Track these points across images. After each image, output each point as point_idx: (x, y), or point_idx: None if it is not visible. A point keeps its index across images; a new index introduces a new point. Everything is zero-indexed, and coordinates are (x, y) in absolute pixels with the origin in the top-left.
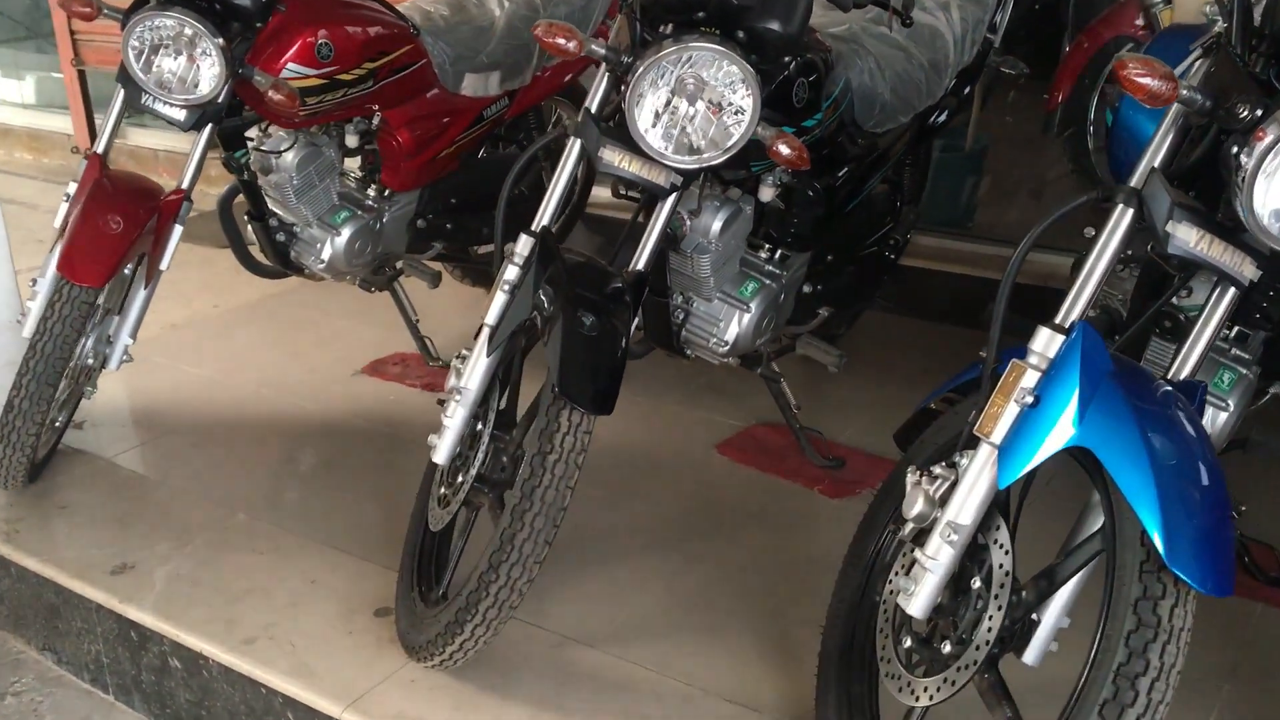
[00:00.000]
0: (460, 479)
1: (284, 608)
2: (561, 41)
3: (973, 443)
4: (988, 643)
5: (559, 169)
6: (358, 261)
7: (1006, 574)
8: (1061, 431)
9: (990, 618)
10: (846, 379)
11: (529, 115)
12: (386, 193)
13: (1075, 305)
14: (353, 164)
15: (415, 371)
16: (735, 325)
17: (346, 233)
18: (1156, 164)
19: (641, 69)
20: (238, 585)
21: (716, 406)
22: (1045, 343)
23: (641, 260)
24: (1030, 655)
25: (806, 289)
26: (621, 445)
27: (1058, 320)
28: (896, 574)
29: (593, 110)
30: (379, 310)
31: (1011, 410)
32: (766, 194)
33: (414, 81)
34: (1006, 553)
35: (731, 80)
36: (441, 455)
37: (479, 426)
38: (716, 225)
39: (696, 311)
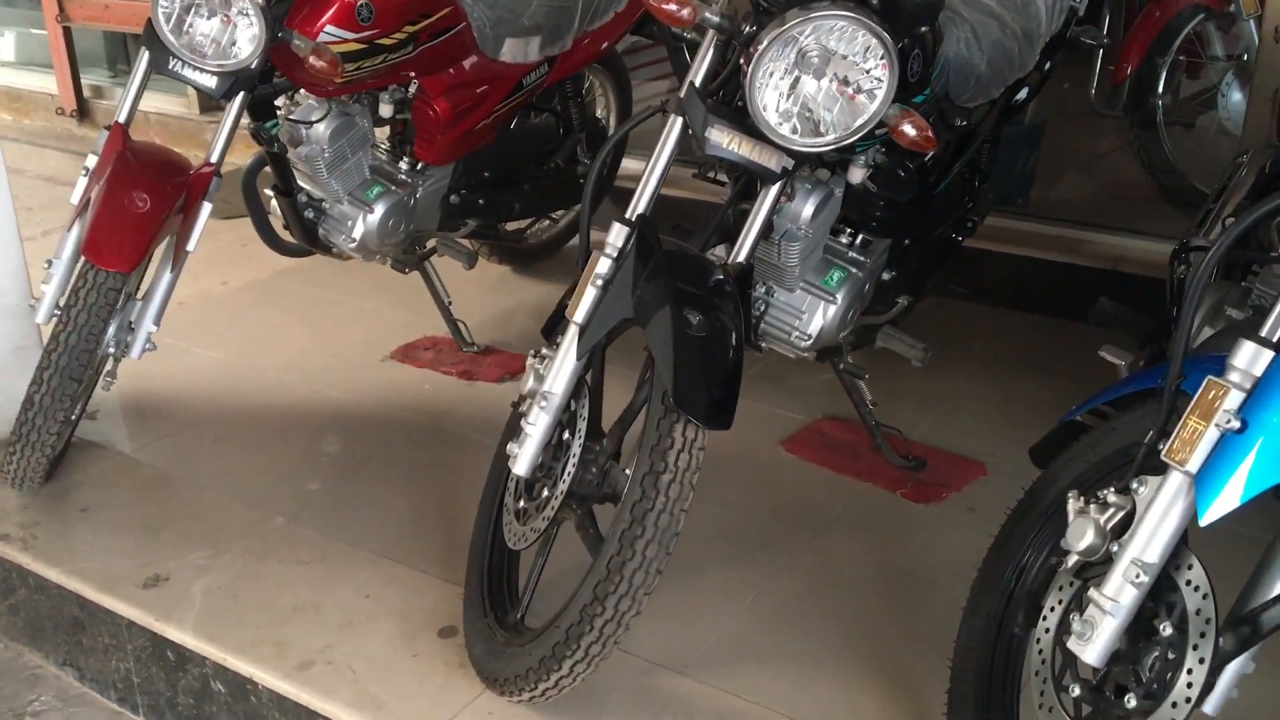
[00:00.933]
0: (545, 493)
1: (338, 627)
2: (673, 8)
3: (1155, 468)
4: (1188, 700)
5: (658, 150)
6: (390, 240)
7: (1208, 621)
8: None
9: (1190, 671)
10: (909, 369)
11: (566, 84)
12: (420, 166)
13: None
14: (381, 135)
15: (449, 357)
16: (820, 317)
17: (380, 209)
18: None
19: (767, 41)
20: (284, 601)
21: (776, 399)
22: (1250, 359)
23: (744, 251)
24: (1211, 705)
25: (885, 276)
26: None
27: (1263, 333)
28: (1053, 609)
29: (697, 84)
30: (401, 289)
31: (1211, 435)
32: (857, 175)
33: (454, 47)
34: (1205, 596)
35: (867, 52)
36: (523, 466)
37: (564, 435)
38: (808, 210)
39: (777, 303)
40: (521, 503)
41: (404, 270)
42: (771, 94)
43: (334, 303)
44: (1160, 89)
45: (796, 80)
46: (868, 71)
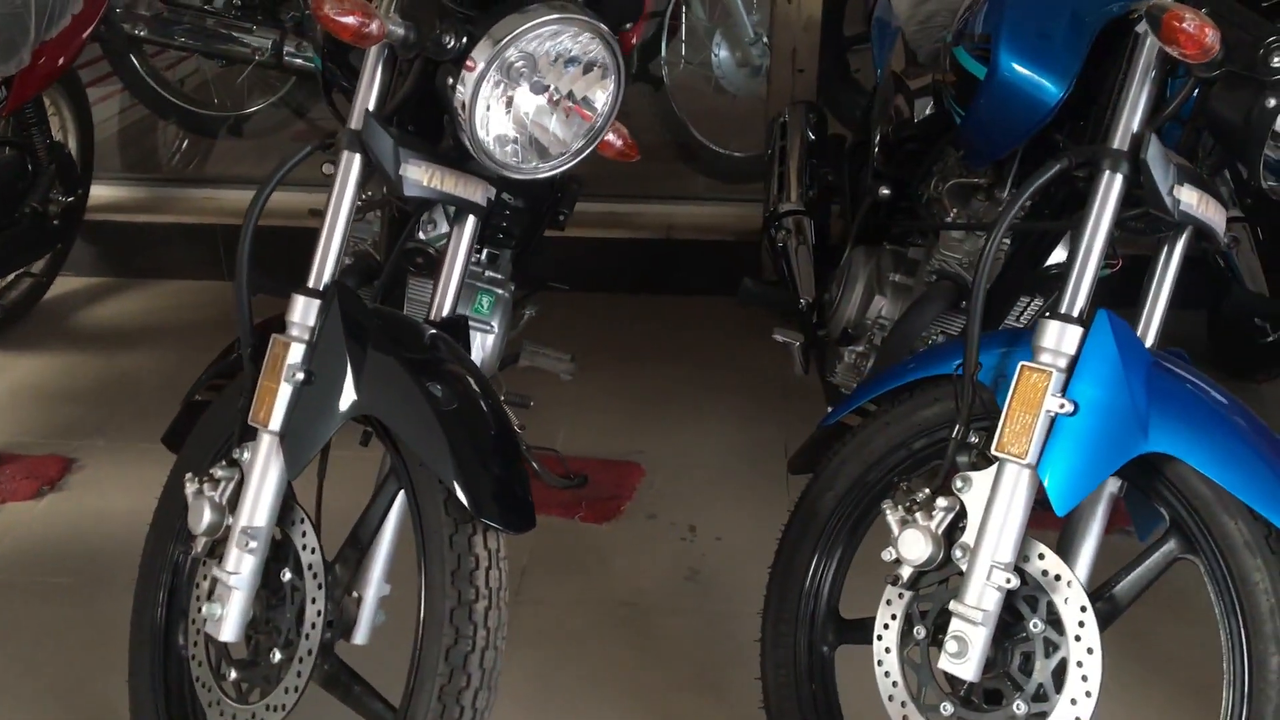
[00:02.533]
0: (276, 655)
1: None
2: (354, 22)
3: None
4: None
5: (335, 198)
6: None
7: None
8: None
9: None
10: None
11: (27, 109)
12: None
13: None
14: None
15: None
16: (481, 350)
17: None
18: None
19: (487, 57)
20: None
21: None
22: (1058, 337)
23: (448, 299)
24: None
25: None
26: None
27: (1064, 309)
28: (887, 626)
29: (371, 109)
30: None
31: (1043, 421)
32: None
33: None
34: (1070, 584)
35: (592, 57)
36: (230, 630)
37: (286, 575)
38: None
39: None
40: (234, 674)
41: None
42: (497, 117)
43: None
44: (663, 52)
45: (510, 98)
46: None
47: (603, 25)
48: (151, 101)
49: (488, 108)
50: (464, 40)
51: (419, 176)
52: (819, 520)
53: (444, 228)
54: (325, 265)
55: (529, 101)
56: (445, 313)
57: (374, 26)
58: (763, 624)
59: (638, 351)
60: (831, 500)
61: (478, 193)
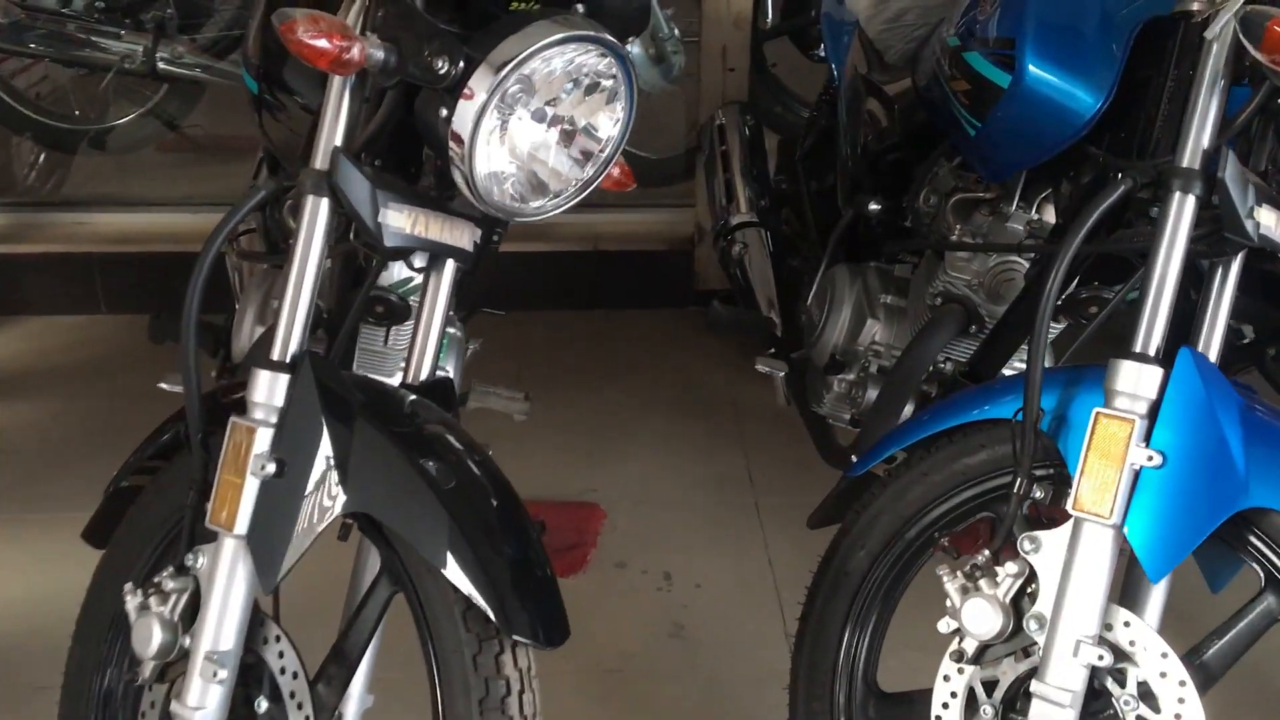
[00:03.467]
0: None
1: None
2: (329, 46)
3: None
4: None
5: (299, 254)
6: None
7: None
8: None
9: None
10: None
11: None
12: None
13: None
14: None
15: None
16: None
17: None
18: (339, 141)
19: (491, 86)
20: None
21: None
22: (1135, 380)
23: (428, 358)
24: None
25: None
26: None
27: (1139, 348)
28: (946, 705)
29: (341, 145)
30: None
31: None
32: None
33: None
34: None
35: (600, 78)
36: None
37: (262, 705)
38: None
39: None
40: None
41: None
42: (499, 154)
43: None
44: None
45: (505, 129)
46: (602, 103)
47: (615, 41)
48: (1, 114)
49: (496, 142)
50: (460, 65)
51: (401, 223)
52: (852, 582)
53: (403, 271)
54: (292, 333)
55: (528, 132)
56: (425, 374)
57: (355, 52)
58: (791, 703)
59: (579, 374)
60: (865, 559)
61: (464, 237)
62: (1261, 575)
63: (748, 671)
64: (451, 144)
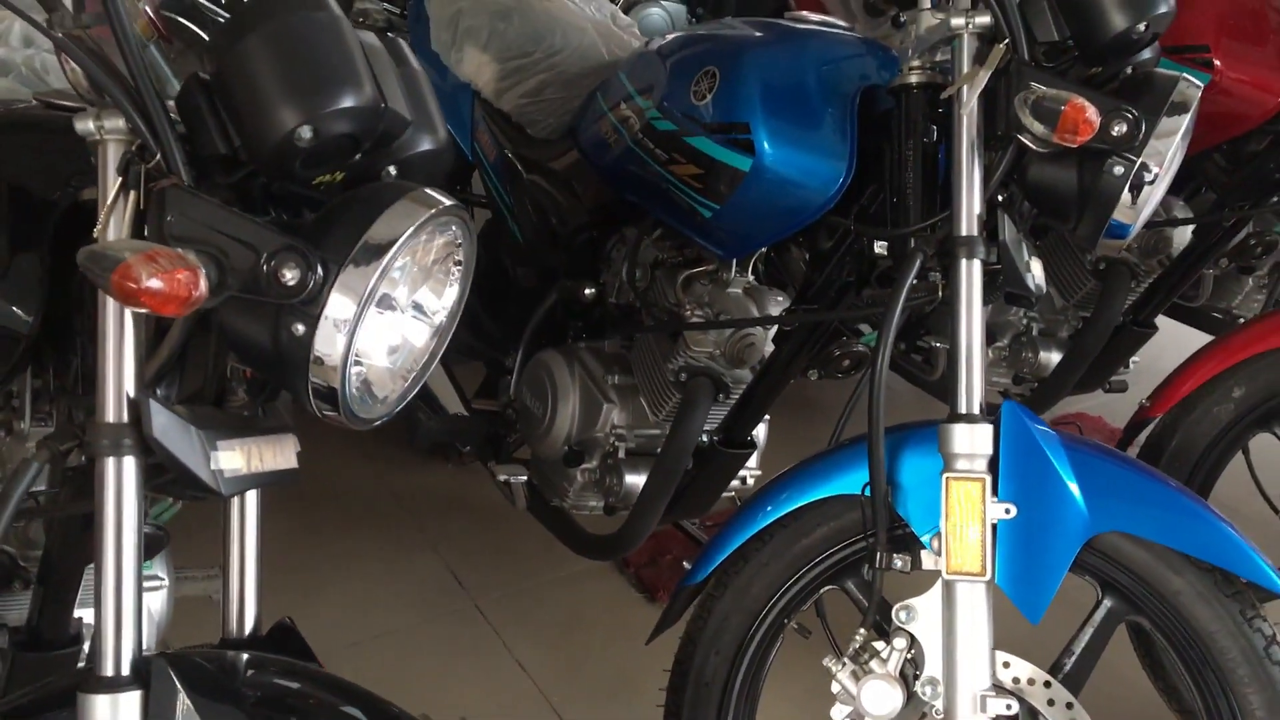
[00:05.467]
0: None
1: None
2: (177, 288)
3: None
4: None
5: (109, 527)
6: None
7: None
8: None
9: None
10: None
11: None
12: None
13: None
14: None
15: None
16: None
17: None
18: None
19: (370, 285)
20: None
21: None
22: (969, 440)
23: (250, 606)
24: None
25: None
26: None
27: (963, 409)
28: None
29: (136, 386)
30: None
31: (987, 533)
32: None
33: None
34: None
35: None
36: None
37: None
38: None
39: None
40: None
41: None
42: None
43: None
44: None
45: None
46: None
47: (462, 205)
48: None
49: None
50: (318, 271)
51: (237, 464)
52: (714, 692)
53: None
54: (123, 639)
55: (374, 327)
56: (250, 626)
57: (202, 285)
58: None
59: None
60: (723, 665)
61: (290, 454)
62: (1097, 586)
63: None
64: (314, 364)
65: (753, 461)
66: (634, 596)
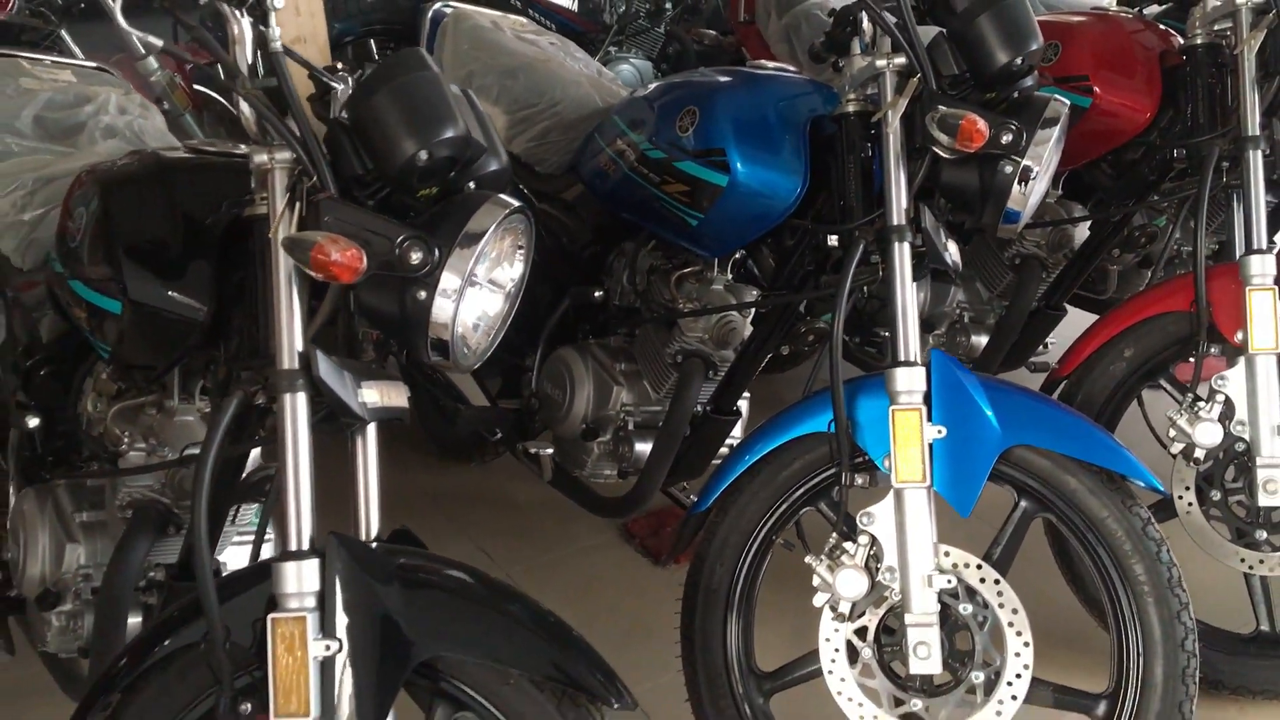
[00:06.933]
0: None
1: None
2: (350, 260)
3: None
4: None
5: (291, 449)
6: None
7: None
8: None
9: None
10: None
11: None
12: None
13: None
14: None
15: None
16: None
17: None
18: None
19: (471, 262)
20: None
21: None
22: (909, 380)
23: (374, 514)
24: None
25: None
26: None
27: (904, 357)
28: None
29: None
30: None
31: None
32: None
33: None
34: (978, 567)
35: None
36: None
37: None
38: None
39: None
40: None
41: None
42: (467, 319)
43: None
44: None
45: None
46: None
47: (526, 206)
48: None
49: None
50: (435, 254)
51: (375, 398)
52: (720, 597)
53: None
54: (302, 521)
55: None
56: (375, 530)
57: (365, 260)
58: (697, 707)
59: None
60: (726, 575)
61: (403, 397)
62: (1014, 491)
63: None
64: (434, 322)
65: (737, 430)
66: (641, 562)
